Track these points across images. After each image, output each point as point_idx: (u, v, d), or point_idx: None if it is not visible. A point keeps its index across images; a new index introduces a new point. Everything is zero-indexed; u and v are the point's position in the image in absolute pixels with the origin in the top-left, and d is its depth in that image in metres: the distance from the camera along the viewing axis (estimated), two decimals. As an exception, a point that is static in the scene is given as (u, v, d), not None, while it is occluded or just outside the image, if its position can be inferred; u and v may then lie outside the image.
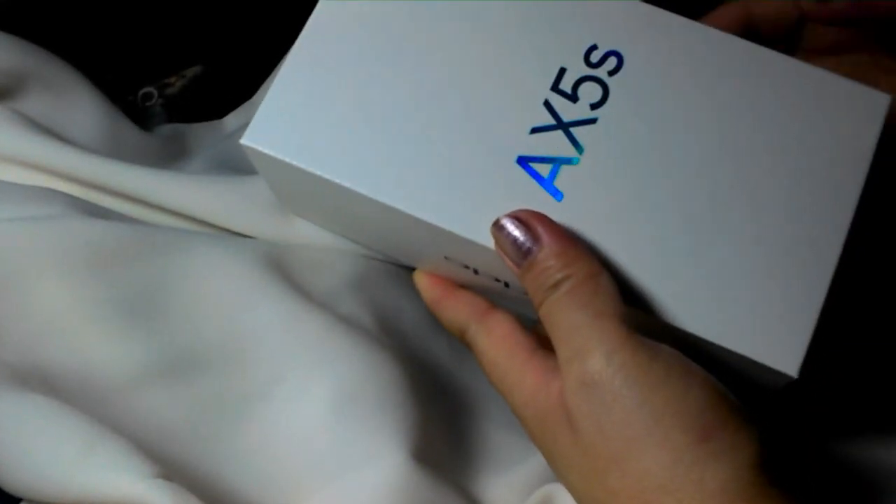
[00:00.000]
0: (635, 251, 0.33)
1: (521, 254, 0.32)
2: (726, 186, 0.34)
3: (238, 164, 0.52)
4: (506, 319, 0.35)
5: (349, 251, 0.45)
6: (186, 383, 0.39)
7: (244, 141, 0.37)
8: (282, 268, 0.43)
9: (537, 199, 0.34)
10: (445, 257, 0.37)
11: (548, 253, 0.31)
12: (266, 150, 0.36)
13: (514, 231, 0.32)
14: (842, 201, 0.33)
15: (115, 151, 0.48)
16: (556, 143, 0.35)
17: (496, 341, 0.34)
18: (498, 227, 0.33)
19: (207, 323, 0.40)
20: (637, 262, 0.33)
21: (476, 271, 0.37)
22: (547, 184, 0.34)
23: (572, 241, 0.32)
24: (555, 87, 0.35)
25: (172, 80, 0.59)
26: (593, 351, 0.29)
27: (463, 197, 0.34)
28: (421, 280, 0.40)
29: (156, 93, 0.58)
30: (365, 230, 0.41)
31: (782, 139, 0.34)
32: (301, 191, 0.39)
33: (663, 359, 0.29)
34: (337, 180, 0.35)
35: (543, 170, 0.34)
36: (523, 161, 0.35)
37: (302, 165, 0.36)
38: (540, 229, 0.32)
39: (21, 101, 0.47)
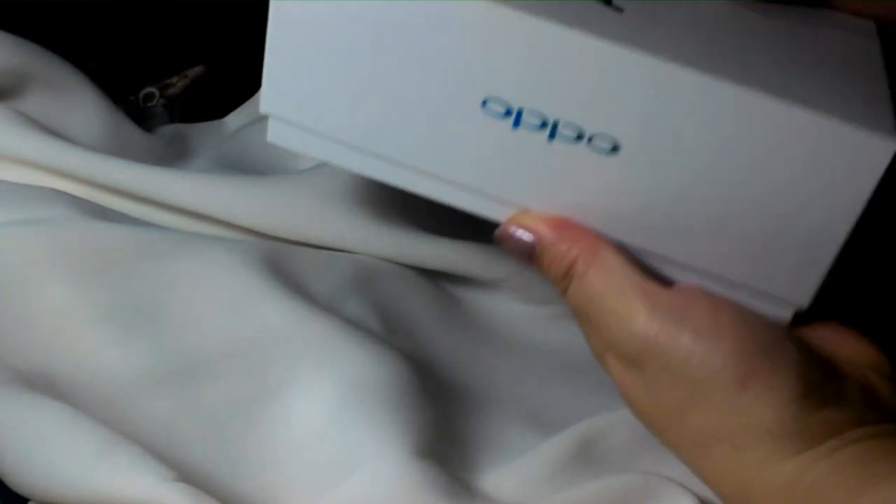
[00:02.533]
0: (713, 55, 0.31)
1: (528, 251, 0.34)
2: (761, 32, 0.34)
3: (240, 164, 0.52)
4: (615, 255, 0.33)
5: (351, 250, 0.45)
6: (193, 387, 0.39)
7: None
8: (285, 270, 0.43)
9: (602, 14, 0.32)
10: (485, 102, 0.32)
11: (550, 240, 0.33)
12: None
13: (517, 233, 0.34)
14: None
15: (116, 152, 0.48)
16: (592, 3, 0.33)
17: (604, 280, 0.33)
18: (503, 237, 0.34)
19: (212, 326, 0.40)
20: (718, 62, 0.31)
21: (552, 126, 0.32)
22: (605, 2, 0.32)
23: (566, 224, 0.33)
24: None
25: (174, 80, 0.59)
26: (625, 340, 0.31)
27: None
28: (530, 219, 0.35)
29: (157, 93, 0.58)
30: (403, 109, 0.34)
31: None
32: (332, 55, 0.33)
33: (690, 324, 0.31)
34: None
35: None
36: None
37: None
38: (537, 225, 0.34)
39: (22, 102, 0.47)
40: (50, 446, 0.35)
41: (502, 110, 0.32)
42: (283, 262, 0.43)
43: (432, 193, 0.35)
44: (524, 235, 0.34)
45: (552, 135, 0.32)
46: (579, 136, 0.32)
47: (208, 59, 0.59)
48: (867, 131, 0.30)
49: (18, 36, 0.48)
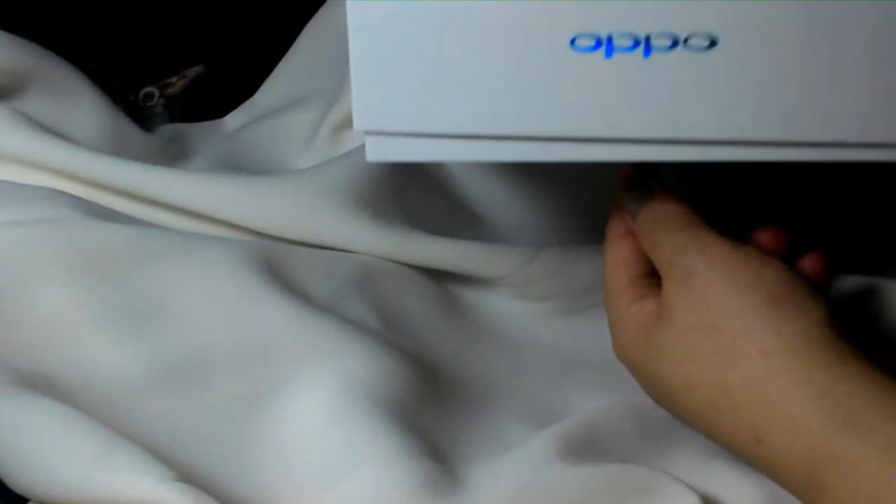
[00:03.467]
0: None
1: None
2: None
3: (240, 164, 0.52)
4: (628, 245, 0.39)
5: (351, 250, 0.45)
6: (193, 387, 0.39)
7: None
8: (285, 270, 0.43)
9: None
10: (573, 41, 0.33)
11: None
12: None
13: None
14: None
15: (116, 152, 0.48)
16: None
17: (611, 265, 0.39)
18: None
19: (212, 326, 0.40)
20: None
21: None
22: None
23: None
24: None
25: (173, 79, 0.59)
26: (690, 250, 0.35)
27: None
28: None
29: (157, 92, 0.58)
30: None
31: None
32: None
33: (743, 250, 0.35)
34: None
35: None
36: None
37: None
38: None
39: (22, 101, 0.47)
40: (50, 446, 0.35)
41: (592, 43, 0.33)
42: (283, 263, 0.43)
43: (543, 156, 0.36)
44: None
45: (647, 50, 0.33)
46: (674, 43, 0.33)
47: (208, 59, 0.59)
48: None
49: (18, 36, 0.48)
